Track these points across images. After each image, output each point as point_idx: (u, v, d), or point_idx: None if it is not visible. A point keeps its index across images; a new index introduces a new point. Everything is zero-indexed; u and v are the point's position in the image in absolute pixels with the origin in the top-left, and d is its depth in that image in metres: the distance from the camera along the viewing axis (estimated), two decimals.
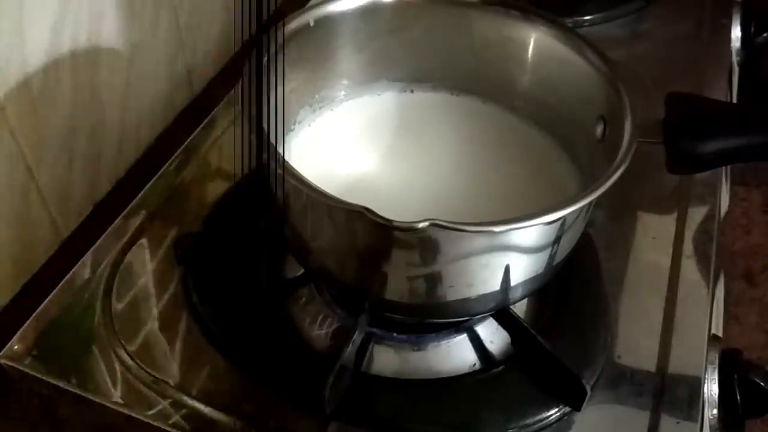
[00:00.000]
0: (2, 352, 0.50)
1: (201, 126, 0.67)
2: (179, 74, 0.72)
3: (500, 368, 0.50)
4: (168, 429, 0.47)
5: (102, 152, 0.64)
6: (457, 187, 0.52)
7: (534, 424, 0.47)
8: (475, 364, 0.50)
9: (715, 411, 0.50)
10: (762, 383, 0.50)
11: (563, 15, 0.54)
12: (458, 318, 0.50)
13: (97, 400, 0.48)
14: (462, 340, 0.51)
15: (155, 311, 0.53)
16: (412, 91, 0.58)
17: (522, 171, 0.53)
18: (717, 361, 0.51)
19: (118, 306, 0.53)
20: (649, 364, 0.50)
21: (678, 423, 0.47)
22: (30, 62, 0.53)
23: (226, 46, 0.78)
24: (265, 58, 0.47)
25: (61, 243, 0.61)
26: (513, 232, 0.40)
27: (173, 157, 0.64)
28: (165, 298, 0.53)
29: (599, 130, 0.48)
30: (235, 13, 0.42)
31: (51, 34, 0.54)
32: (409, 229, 0.37)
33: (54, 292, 0.53)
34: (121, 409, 0.47)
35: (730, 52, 0.78)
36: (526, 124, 0.56)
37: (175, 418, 0.47)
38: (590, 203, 0.41)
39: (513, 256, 0.43)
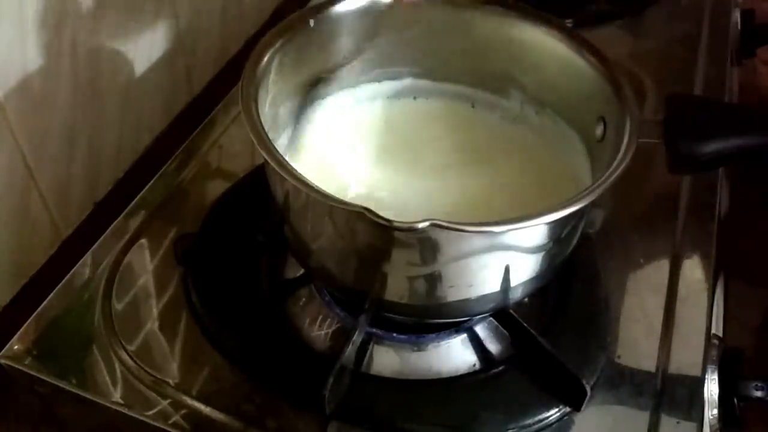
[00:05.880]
0: (2, 352, 0.50)
1: (201, 126, 0.67)
2: (179, 74, 0.72)
3: (500, 368, 0.50)
4: (168, 429, 0.47)
5: (102, 152, 0.64)
6: (457, 188, 0.52)
7: (534, 424, 0.47)
8: (475, 364, 0.50)
9: (715, 411, 0.50)
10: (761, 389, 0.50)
11: (563, 15, 0.53)
12: (458, 318, 0.50)
13: (97, 400, 0.48)
14: (462, 340, 0.51)
15: (155, 311, 0.53)
16: (411, 92, 0.58)
17: (521, 171, 0.53)
18: (717, 361, 0.51)
19: (118, 306, 0.53)
20: (649, 364, 0.50)
21: (678, 423, 0.47)
22: (30, 62, 0.53)
23: (226, 46, 0.78)
24: (265, 59, 0.47)
25: (61, 243, 0.61)
26: (513, 232, 0.40)
27: (173, 157, 0.64)
28: (165, 298, 0.54)
29: (599, 130, 0.48)
30: None
31: (51, 34, 0.54)
32: (409, 230, 0.37)
33: (54, 292, 0.53)
34: (121, 409, 0.47)
35: (730, 52, 0.78)
36: (526, 124, 0.56)
37: (175, 418, 0.47)
38: (590, 203, 0.41)
39: (513, 257, 0.43)
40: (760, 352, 0.66)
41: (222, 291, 0.53)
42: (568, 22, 0.53)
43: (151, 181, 0.62)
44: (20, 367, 0.49)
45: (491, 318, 0.51)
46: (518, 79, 0.55)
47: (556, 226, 0.43)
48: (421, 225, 0.37)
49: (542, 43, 0.52)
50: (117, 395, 0.48)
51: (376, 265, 0.43)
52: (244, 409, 0.47)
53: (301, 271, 0.55)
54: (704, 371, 0.50)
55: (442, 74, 0.57)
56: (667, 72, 0.75)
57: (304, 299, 0.54)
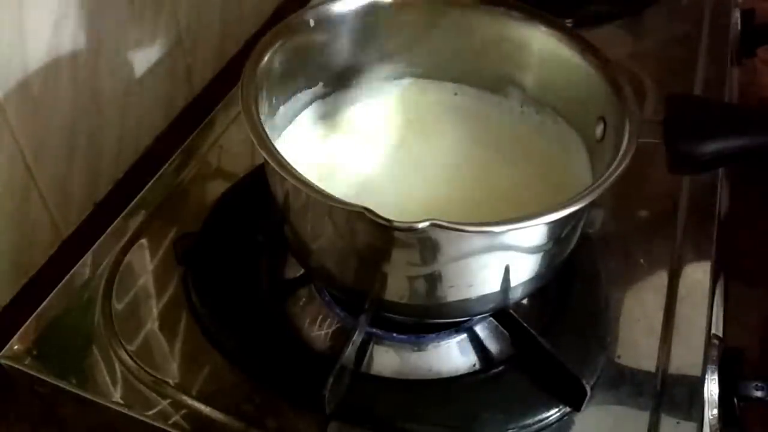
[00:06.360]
0: (2, 352, 0.50)
1: (201, 126, 0.67)
2: (179, 74, 0.72)
3: (500, 368, 0.50)
4: (168, 429, 0.47)
5: (102, 152, 0.64)
6: (457, 188, 0.52)
7: (534, 424, 0.47)
8: (475, 364, 0.50)
9: (715, 411, 0.50)
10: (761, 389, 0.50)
11: (563, 15, 0.54)
12: (458, 318, 0.50)
13: (97, 400, 0.48)
14: (462, 340, 0.51)
15: (155, 311, 0.53)
16: (412, 92, 0.58)
17: (521, 171, 0.53)
18: (717, 361, 0.51)
19: (118, 306, 0.53)
20: (649, 364, 0.50)
21: (678, 423, 0.47)
22: (30, 62, 0.53)
23: (226, 46, 0.78)
24: (265, 59, 0.47)
25: (61, 243, 0.61)
26: (513, 232, 0.40)
27: (173, 157, 0.64)
28: (165, 298, 0.53)
29: (599, 130, 0.48)
30: None
31: (51, 34, 0.54)
32: (409, 230, 0.37)
33: (54, 292, 0.53)
34: (121, 409, 0.47)
35: (730, 52, 0.78)
36: (526, 124, 0.56)
37: (175, 418, 0.47)
38: (590, 203, 0.41)
39: (513, 257, 0.43)
40: (761, 352, 0.66)
41: (222, 291, 0.53)
42: (568, 22, 0.53)
43: (151, 181, 0.62)
44: (20, 367, 0.49)
45: (491, 318, 0.51)
46: (518, 79, 0.55)
47: (556, 226, 0.42)
48: (421, 225, 0.37)
49: (542, 43, 0.52)
50: (117, 395, 0.48)
51: (376, 265, 0.43)
52: (244, 409, 0.47)
53: (301, 271, 0.55)
54: (704, 371, 0.50)
55: (441, 74, 0.57)
56: (667, 72, 0.74)
57: (304, 299, 0.54)
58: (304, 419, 0.47)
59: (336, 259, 0.46)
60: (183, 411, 0.47)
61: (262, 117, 0.44)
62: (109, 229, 0.58)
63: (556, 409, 0.47)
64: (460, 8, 0.54)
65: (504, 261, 0.43)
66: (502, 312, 0.50)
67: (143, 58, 0.66)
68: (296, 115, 0.54)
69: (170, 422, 0.47)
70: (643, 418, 0.47)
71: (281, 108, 0.52)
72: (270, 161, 0.41)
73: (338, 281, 0.48)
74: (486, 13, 0.53)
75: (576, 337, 0.51)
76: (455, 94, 0.57)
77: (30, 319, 0.52)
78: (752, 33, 0.84)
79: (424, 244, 0.40)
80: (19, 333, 0.51)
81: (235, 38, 0.80)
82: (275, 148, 0.42)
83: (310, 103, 0.55)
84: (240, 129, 0.67)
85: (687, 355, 0.51)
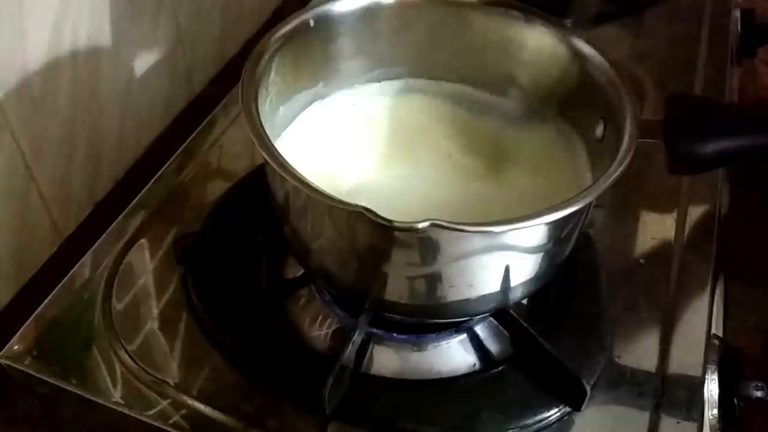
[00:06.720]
0: (2, 352, 0.50)
1: (201, 126, 0.67)
2: (179, 74, 0.72)
3: (500, 368, 0.50)
4: (168, 429, 0.47)
5: (102, 152, 0.64)
6: (457, 188, 0.52)
7: (534, 424, 0.47)
8: (475, 364, 0.50)
9: (715, 411, 0.50)
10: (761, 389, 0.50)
11: (563, 15, 0.54)
12: (458, 318, 0.50)
13: (97, 400, 0.48)
14: (462, 340, 0.51)
15: (155, 311, 0.53)
16: (411, 92, 0.58)
17: (521, 171, 0.53)
18: (717, 361, 0.51)
19: (118, 306, 0.53)
20: (649, 364, 0.50)
21: (678, 423, 0.47)
22: (30, 62, 0.53)
23: (226, 46, 0.79)
24: (265, 59, 0.47)
25: (61, 243, 0.61)
26: (513, 232, 0.40)
27: (173, 158, 0.64)
28: (165, 298, 0.53)
29: (599, 130, 0.48)
30: None
31: (51, 34, 0.54)
32: (410, 230, 0.37)
33: (54, 292, 0.53)
34: (121, 409, 0.47)
35: (730, 52, 0.78)
36: (526, 124, 0.56)
37: (175, 418, 0.47)
38: (590, 203, 0.41)
39: (513, 257, 0.43)
40: (761, 352, 0.66)
41: (222, 291, 0.53)
42: (568, 22, 0.53)
43: (151, 181, 0.62)
44: (20, 367, 0.49)
45: (491, 318, 0.51)
46: (518, 78, 0.55)
47: (556, 226, 0.43)
48: (421, 225, 0.37)
49: (542, 43, 0.52)
50: (117, 395, 0.48)
51: (376, 265, 0.43)
52: (244, 409, 0.47)
53: (301, 271, 0.55)
54: (704, 371, 0.50)
55: (442, 74, 0.57)
56: (667, 72, 0.75)
57: (304, 299, 0.54)
58: (304, 419, 0.47)
59: (336, 259, 0.46)
60: (183, 411, 0.47)
61: (262, 117, 0.44)
62: (109, 229, 0.58)
63: (556, 409, 0.47)
64: (460, 8, 0.54)
65: (504, 261, 0.43)
66: (502, 312, 0.50)
67: (143, 58, 0.66)
68: (296, 116, 0.54)
69: (170, 422, 0.47)
70: (643, 418, 0.47)
71: (281, 108, 0.52)
72: (270, 161, 0.41)
73: (338, 281, 0.48)
74: (486, 13, 0.53)
75: (576, 337, 0.51)
76: (455, 94, 0.57)
77: (30, 319, 0.52)
78: (752, 33, 0.84)
79: (424, 244, 0.40)
80: (19, 333, 0.51)
81: (235, 38, 0.80)
82: (275, 148, 0.42)
83: (310, 103, 0.55)
84: (240, 129, 0.67)
85: (687, 355, 0.51)
